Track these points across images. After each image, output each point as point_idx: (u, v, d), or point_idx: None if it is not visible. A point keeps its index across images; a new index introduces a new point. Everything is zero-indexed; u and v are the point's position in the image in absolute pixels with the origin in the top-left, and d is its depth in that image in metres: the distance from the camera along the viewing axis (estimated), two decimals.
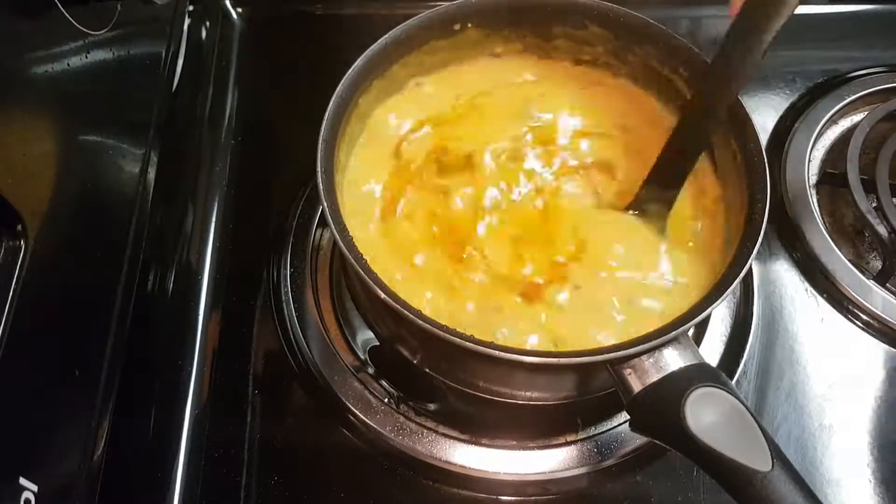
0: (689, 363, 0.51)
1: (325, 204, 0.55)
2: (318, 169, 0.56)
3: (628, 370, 0.51)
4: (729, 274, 0.55)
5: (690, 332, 0.54)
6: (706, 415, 0.48)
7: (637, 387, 0.51)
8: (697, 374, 0.50)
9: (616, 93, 0.71)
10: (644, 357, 0.51)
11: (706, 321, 0.72)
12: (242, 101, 0.88)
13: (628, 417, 0.66)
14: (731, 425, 0.48)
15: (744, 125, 0.61)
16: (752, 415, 0.48)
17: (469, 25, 0.68)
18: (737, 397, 0.49)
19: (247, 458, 0.66)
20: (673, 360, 0.51)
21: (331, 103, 0.60)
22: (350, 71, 0.62)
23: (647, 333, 0.52)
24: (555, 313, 0.59)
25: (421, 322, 0.51)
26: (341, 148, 0.62)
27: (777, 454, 0.47)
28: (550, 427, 0.67)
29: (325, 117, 0.59)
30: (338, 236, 0.54)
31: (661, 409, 0.50)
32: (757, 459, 0.46)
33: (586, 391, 0.64)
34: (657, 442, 0.52)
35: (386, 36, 0.64)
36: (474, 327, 0.57)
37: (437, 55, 0.69)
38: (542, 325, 0.59)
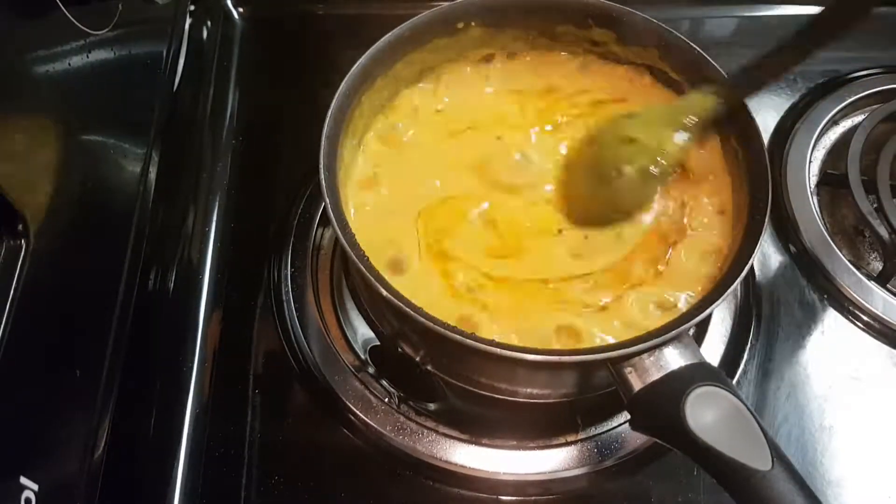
0: (689, 362, 0.51)
1: (328, 201, 0.55)
2: (321, 165, 0.56)
3: (629, 368, 0.51)
4: (730, 273, 0.55)
5: (691, 332, 0.54)
6: (706, 414, 0.48)
7: (637, 385, 0.51)
8: (698, 373, 0.51)
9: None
10: (645, 356, 0.51)
11: (707, 322, 0.72)
12: (243, 101, 0.89)
13: (628, 418, 0.67)
14: (732, 424, 0.48)
15: (747, 126, 0.61)
16: (752, 414, 0.48)
17: (472, 24, 0.68)
18: (737, 396, 0.49)
19: (247, 457, 0.67)
20: (673, 358, 0.51)
21: (334, 100, 0.60)
22: (354, 68, 0.62)
23: (647, 332, 0.52)
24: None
25: (423, 320, 0.51)
26: (344, 145, 0.62)
27: (777, 453, 0.47)
28: (551, 427, 0.67)
29: (329, 114, 0.59)
30: (340, 233, 0.54)
31: (661, 407, 0.50)
32: (757, 458, 0.46)
33: (587, 389, 0.64)
34: (657, 440, 0.52)
35: (389, 34, 0.64)
36: None
37: (440, 53, 0.69)
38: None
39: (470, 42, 0.70)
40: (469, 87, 0.72)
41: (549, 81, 0.72)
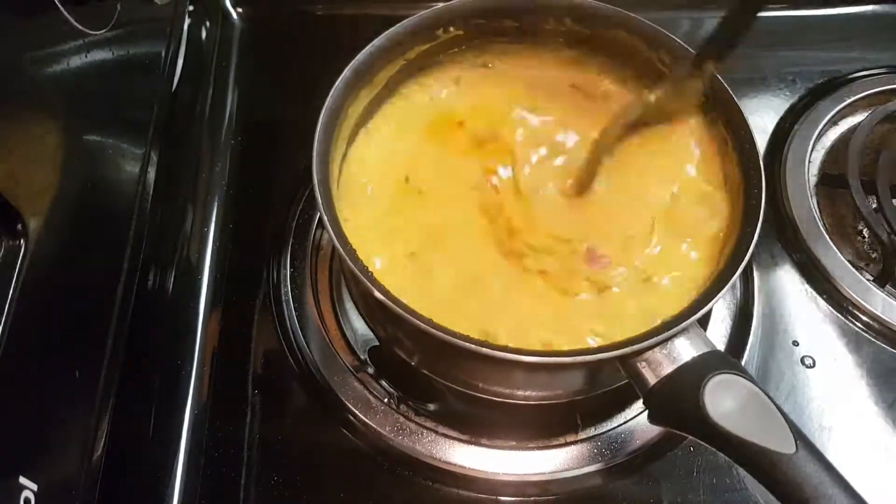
0: (701, 351, 0.51)
1: (325, 214, 0.55)
2: (315, 180, 0.56)
3: (642, 364, 0.51)
4: (733, 260, 0.55)
5: None
6: (725, 401, 0.48)
7: (652, 379, 0.51)
8: (712, 362, 0.51)
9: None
10: (657, 349, 0.51)
11: (706, 321, 0.72)
12: (242, 101, 0.89)
13: (628, 418, 0.67)
14: (752, 410, 0.48)
15: (735, 117, 0.61)
16: (770, 399, 0.48)
17: (451, 30, 0.68)
18: (754, 382, 0.49)
19: (246, 457, 0.66)
20: (685, 349, 0.51)
21: (321, 115, 0.60)
22: (337, 82, 0.62)
23: (656, 326, 0.52)
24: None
25: (422, 324, 0.51)
26: (335, 158, 0.62)
27: (800, 436, 0.47)
28: (550, 427, 0.67)
29: (317, 129, 0.59)
30: (339, 246, 0.54)
31: (679, 399, 0.50)
32: (780, 442, 0.47)
33: (591, 388, 0.64)
34: (677, 432, 0.52)
35: (370, 45, 0.64)
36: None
37: (422, 61, 0.69)
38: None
39: (452, 48, 0.70)
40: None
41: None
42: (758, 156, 0.59)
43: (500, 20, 0.69)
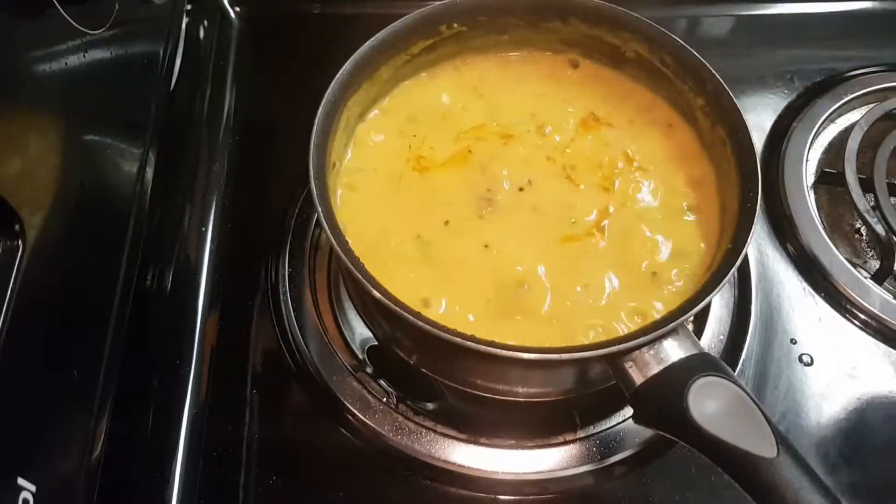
0: (689, 353, 0.51)
1: (320, 209, 0.55)
2: (311, 174, 0.56)
3: (629, 363, 0.51)
4: (726, 261, 0.55)
5: (690, 327, 0.54)
6: (709, 404, 0.48)
7: (639, 379, 0.51)
8: (699, 364, 0.51)
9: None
10: (644, 349, 0.51)
11: (704, 320, 0.72)
12: (240, 100, 0.88)
13: (626, 417, 0.67)
14: (735, 413, 0.48)
15: (732, 116, 0.61)
16: (755, 402, 0.49)
17: (455, 26, 0.68)
18: (739, 386, 0.49)
19: (245, 457, 0.66)
20: (673, 350, 0.51)
21: (320, 109, 0.60)
22: (338, 75, 0.62)
23: (645, 326, 0.52)
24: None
25: (418, 322, 0.51)
26: (332, 152, 0.62)
27: (782, 440, 0.47)
28: (549, 426, 0.67)
29: (315, 123, 0.59)
30: (334, 241, 0.54)
31: (664, 400, 0.50)
32: (762, 446, 0.47)
33: (586, 385, 0.64)
34: (662, 433, 0.52)
35: (371, 39, 0.64)
36: None
37: (423, 56, 0.69)
38: None
39: (454, 44, 0.70)
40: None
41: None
42: (755, 160, 0.58)
43: (504, 17, 0.69)
